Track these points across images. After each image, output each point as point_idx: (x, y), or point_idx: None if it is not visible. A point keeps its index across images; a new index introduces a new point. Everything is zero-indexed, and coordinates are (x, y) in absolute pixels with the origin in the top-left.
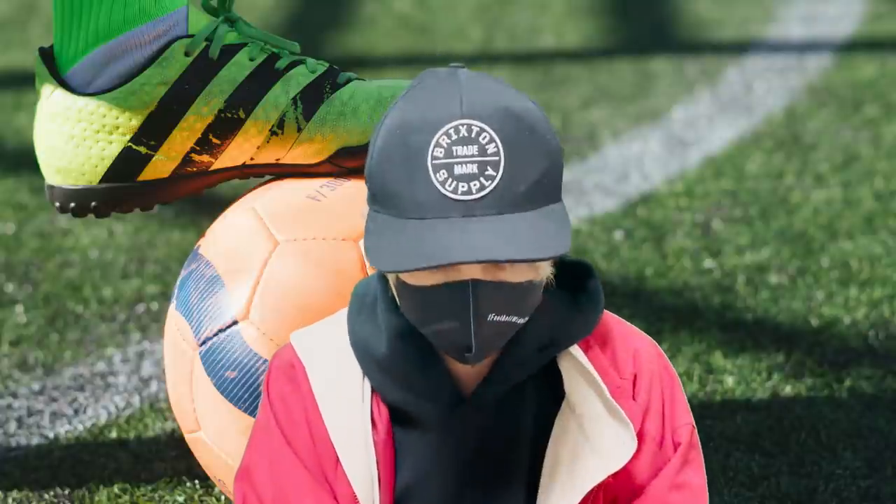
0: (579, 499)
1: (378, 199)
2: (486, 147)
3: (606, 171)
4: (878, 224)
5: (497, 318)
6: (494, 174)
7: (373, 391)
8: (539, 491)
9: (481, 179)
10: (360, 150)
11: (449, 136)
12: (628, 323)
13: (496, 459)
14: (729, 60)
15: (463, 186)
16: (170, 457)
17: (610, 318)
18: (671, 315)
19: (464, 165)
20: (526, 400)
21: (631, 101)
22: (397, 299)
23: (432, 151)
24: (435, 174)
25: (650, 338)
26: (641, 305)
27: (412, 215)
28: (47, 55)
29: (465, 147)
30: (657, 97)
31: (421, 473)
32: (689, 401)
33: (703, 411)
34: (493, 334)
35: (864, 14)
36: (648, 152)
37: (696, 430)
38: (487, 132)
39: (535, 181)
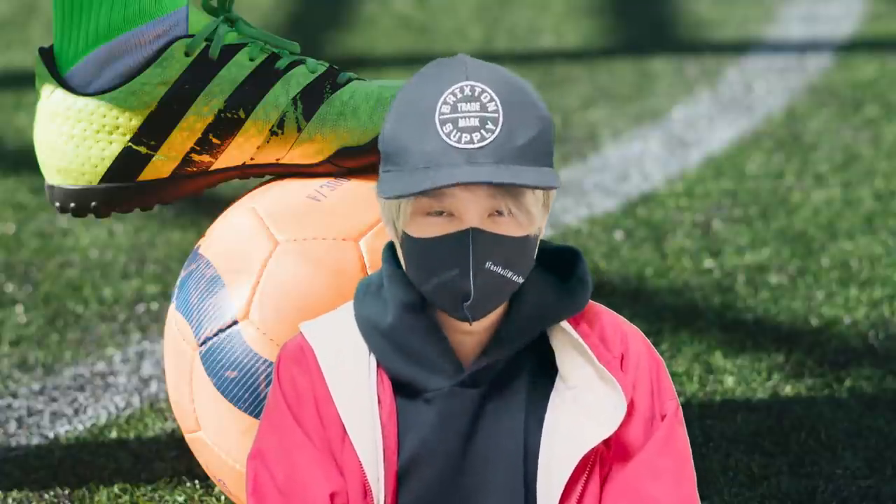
0: (577, 461)
1: (390, 159)
2: (487, 105)
3: (606, 171)
4: (878, 224)
5: (494, 268)
6: (494, 128)
7: (378, 369)
8: (539, 458)
9: (482, 132)
10: (360, 150)
11: (455, 95)
12: (616, 313)
13: (494, 431)
14: (729, 60)
15: (466, 137)
16: (170, 457)
17: (599, 305)
18: (671, 315)
19: (467, 119)
20: (520, 375)
21: (631, 101)
22: (403, 261)
23: (440, 108)
24: (441, 127)
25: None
26: (641, 305)
27: (420, 165)
28: (47, 55)
29: (468, 104)
30: (657, 97)
31: (423, 445)
32: (689, 401)
33: (703, 411)
34: (490, 286)
35: (864, 14)
36: (648, 152)
37: (680, 409)
38: (488, 92)
39: (530, 139)
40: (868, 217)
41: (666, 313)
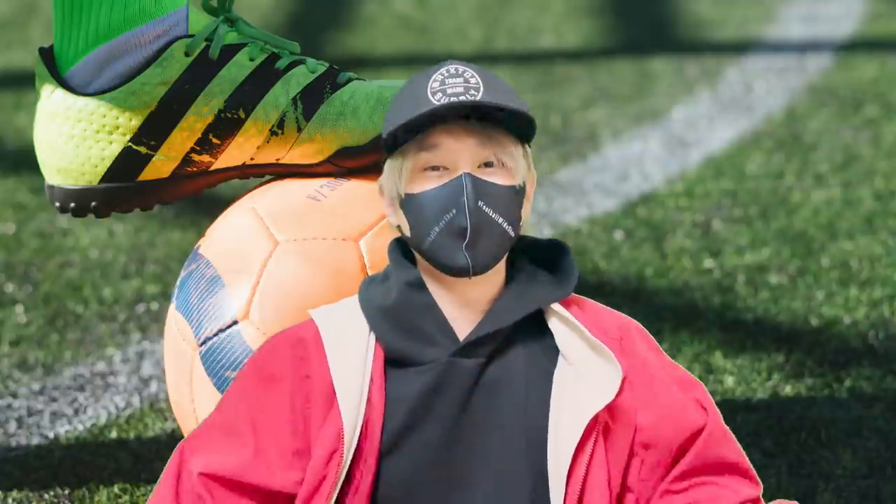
0: (582, 429)
1: (388, 136)
2: (470, 79)
3: (606, 171)
4: (878, 224)
5: (486, 209)
6: (476, 94)
7: (375, 345)
8: (549, 428)
9: (466, 96)
10: (360, 150)
11: (442, 74)
12: (614, 310)
13: (492, 404)
14: (729, 60)
15: (454, 99)
16: (169, 457)
17: (597, 304)
18: (671, 315)
19: (454, 87)
20: (519, 354)
21: (631, 101)
22: (407, 227)
23: (430, 85)
24: (432, 96)
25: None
26: (641, 305)
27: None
28: (47, 55)
29: (454, 79)
30: (657, 97)
31: (412, 421)
32: None
33: None
34: (485, 227)
35: (864, 14)
36: (648, 152)
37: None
38: (471, 71)
39: (510, 111)
40: (868, 217)
41: (666, 313)
